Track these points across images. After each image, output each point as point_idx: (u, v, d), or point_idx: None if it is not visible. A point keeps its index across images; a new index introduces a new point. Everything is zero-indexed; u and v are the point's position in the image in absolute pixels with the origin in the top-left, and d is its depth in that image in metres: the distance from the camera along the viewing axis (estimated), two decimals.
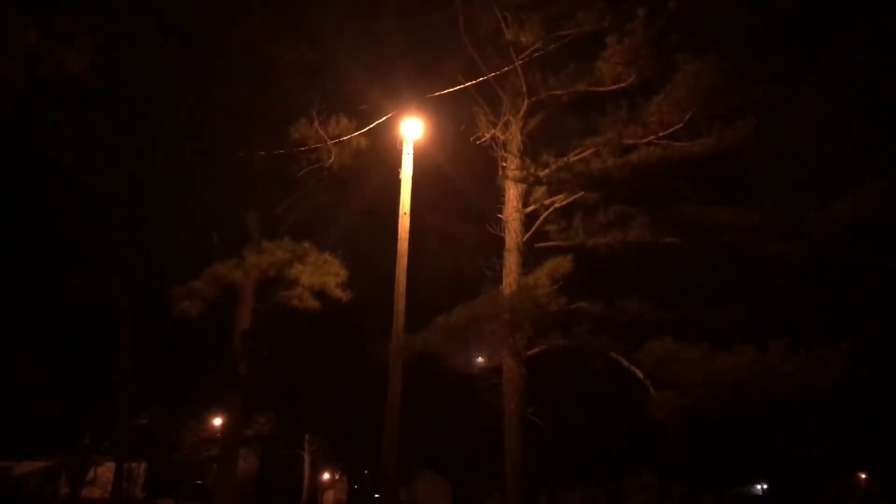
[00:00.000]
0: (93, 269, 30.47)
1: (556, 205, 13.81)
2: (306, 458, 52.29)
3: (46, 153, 23.06)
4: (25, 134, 20.60)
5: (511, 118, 13.85)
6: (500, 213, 13.97)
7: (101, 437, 39.95)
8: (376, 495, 35.07)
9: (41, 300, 29.67)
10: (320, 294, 16.93)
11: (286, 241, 16.60)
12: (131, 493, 41.33)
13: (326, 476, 59.58)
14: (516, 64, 12.81)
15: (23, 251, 26.77)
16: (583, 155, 12.59)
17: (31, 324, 30.36)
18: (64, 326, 31.73)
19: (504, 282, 13.45)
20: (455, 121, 14.76)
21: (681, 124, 11.91)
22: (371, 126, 14.65)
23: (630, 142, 12.18)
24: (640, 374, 12.31)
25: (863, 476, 52.08)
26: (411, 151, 13.89)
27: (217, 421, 39.89)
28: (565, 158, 12.63)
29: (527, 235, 13.76)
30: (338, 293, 16.54)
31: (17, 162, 22.54)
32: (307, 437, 50.97)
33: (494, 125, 13.93)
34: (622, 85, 12.28)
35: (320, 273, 16.37)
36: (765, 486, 52.29)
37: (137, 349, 32.02)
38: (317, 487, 57.70)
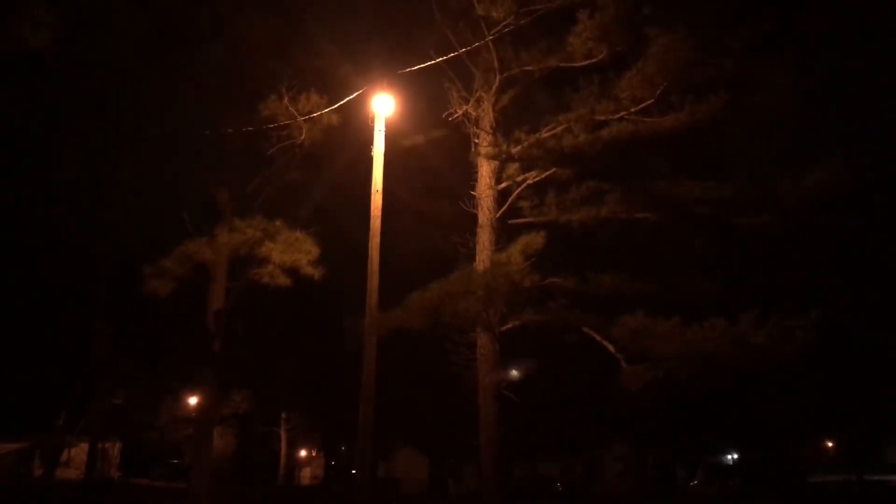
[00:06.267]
0: (63, 249, 30.09)
1: (529, 181, 13.80)
2: (283, 435, 52.42)
3: (8, 131, 22.59)
4: None
5: (483, 94, 13.78)
6: (473, 190, 13.95)
7: (76, 417, 39.69)
8: (353, 471, 35.22)
9: (11, 281, 29.25)
10: (292, 271, 16.84)
11: (258, 219, 16.45)
12: (106, 473, 41.21)
13: (304, 453, 59.83)
14: (488, 39, 12.71)
15: None
16: (555, 131, 12.58)
17: (2, 305, 29.95)
18: (35, 307, 31.36)
19: (477, 258, 13.46)
20: (427, 97, 14.63)
21: (652, 100, 11.91)
22: (342, 102, 14.49)
23: (602, 118, 12.18)
24: (612, 349, 12.43)
25: (829, 444, 53.28)
26: (383, 128, 13.76)
27: (193, 400, 39.80)
28: (537, 135, 12.61)
29: (500, 212, 13.76)
30: (309, 270, 16.46)
31: None
32: (284, 414, 51.06)
33: (467, 101, 13.85)
34: (594, 60, 12.24)
35: (291, 251, 16.25)
36: (735, 456, 53.25)
37: (111, 329, 31.77)
38: (294, 464, 57.95)
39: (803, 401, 37.39)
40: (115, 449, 45.18)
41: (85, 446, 37.23)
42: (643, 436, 43.29)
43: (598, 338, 12.74)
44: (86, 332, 31.41)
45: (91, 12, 18.58)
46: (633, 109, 12.09)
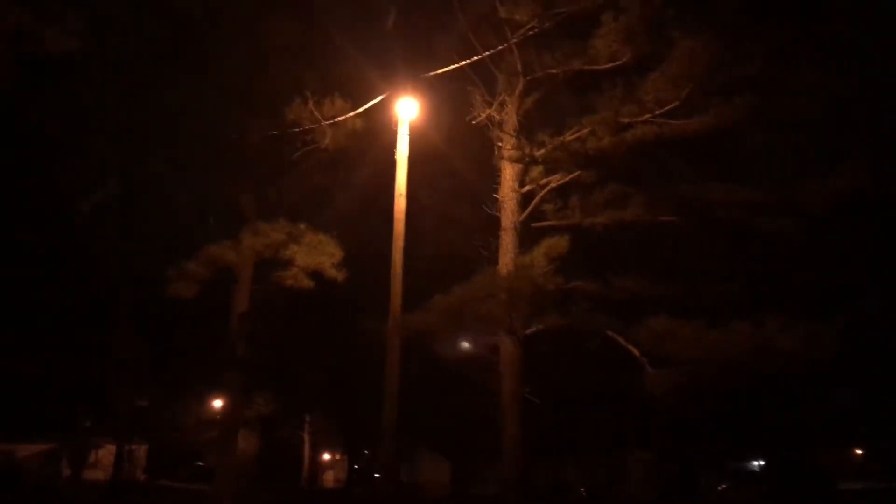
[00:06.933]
0: (89, 253, 30.42)
1: (553, 184, 13.78)
2: (306, 438, 52.64)
3: (38, 134, 22.91)
4: (14, 114, 20.43)
5: (507, 97, 13.78)
6: (496, 193, 13.94)
7: (102, 419, 40.14)
8: (376, 474, 35.29)
9: (39, 284, 29.62)
10: (315, 274, 16.91)
11: (282, 222, 16.57)
12: (132, 474, 41.63)
13: (327, 456, 60.06)
14: (511, 42, 12.71)
15: (16, 235, 26.69)
16: (579, 134, 12.55)
17: (30, 308, 30.35)
18: (62, 310, 31.72)
19: (500, 262, 13.45)
20: (451, 101, 14.66)
21: (677, 102, 11.84)
22: (366, 106, 14.54)
23: (626, 120, 12.13)
24: (636, 352, 12.36)
25: (858, 451, 52.49)
26: (407, 132, 13.82)
27: (217, 402, 40.08)
28: (561, 138, 12.59)
29: (523, 215, 13.74)
30: (333, 273, 16.53)
31: (6, 143, 22.41)
32: (307, 417, 51.27)
33: (490, 105, 13.85)
34: (618, 63, 12.18)
35: (315, 253, 16.34)
36: (761, 463, 52.65)
37: (136, 332, 32.09)
38: (317, 467, 58.16)
39: (830, 407, 36.90)
40: (141, 451, 45.64)
41: (112, 448, 37.65)
42: (666, 441, 42.95)
43: (621, 341, 12.68)
44: (112, 336, 31.73)
45: (117, 18, 18.85)
46: (657, 112, 12.03)
